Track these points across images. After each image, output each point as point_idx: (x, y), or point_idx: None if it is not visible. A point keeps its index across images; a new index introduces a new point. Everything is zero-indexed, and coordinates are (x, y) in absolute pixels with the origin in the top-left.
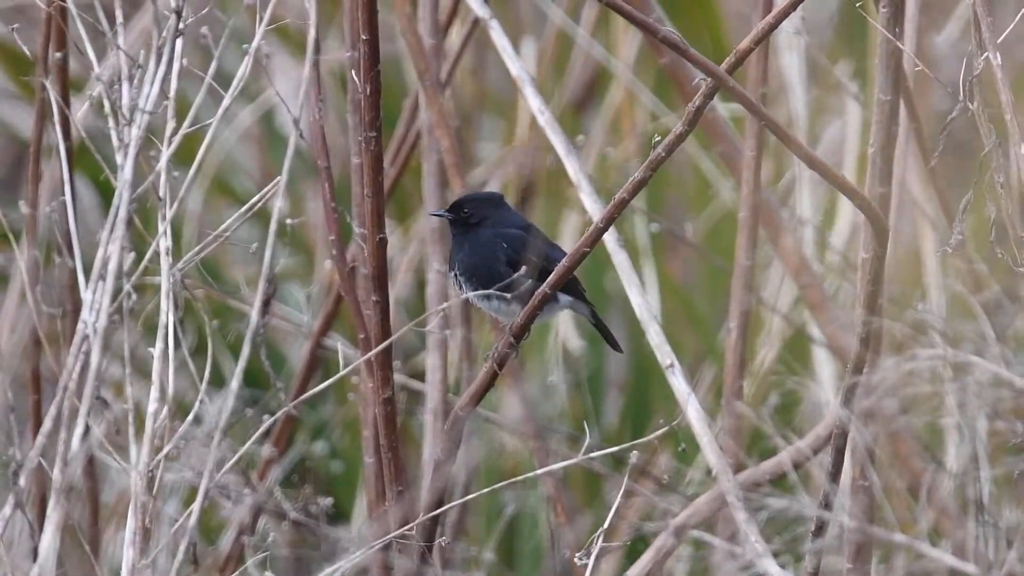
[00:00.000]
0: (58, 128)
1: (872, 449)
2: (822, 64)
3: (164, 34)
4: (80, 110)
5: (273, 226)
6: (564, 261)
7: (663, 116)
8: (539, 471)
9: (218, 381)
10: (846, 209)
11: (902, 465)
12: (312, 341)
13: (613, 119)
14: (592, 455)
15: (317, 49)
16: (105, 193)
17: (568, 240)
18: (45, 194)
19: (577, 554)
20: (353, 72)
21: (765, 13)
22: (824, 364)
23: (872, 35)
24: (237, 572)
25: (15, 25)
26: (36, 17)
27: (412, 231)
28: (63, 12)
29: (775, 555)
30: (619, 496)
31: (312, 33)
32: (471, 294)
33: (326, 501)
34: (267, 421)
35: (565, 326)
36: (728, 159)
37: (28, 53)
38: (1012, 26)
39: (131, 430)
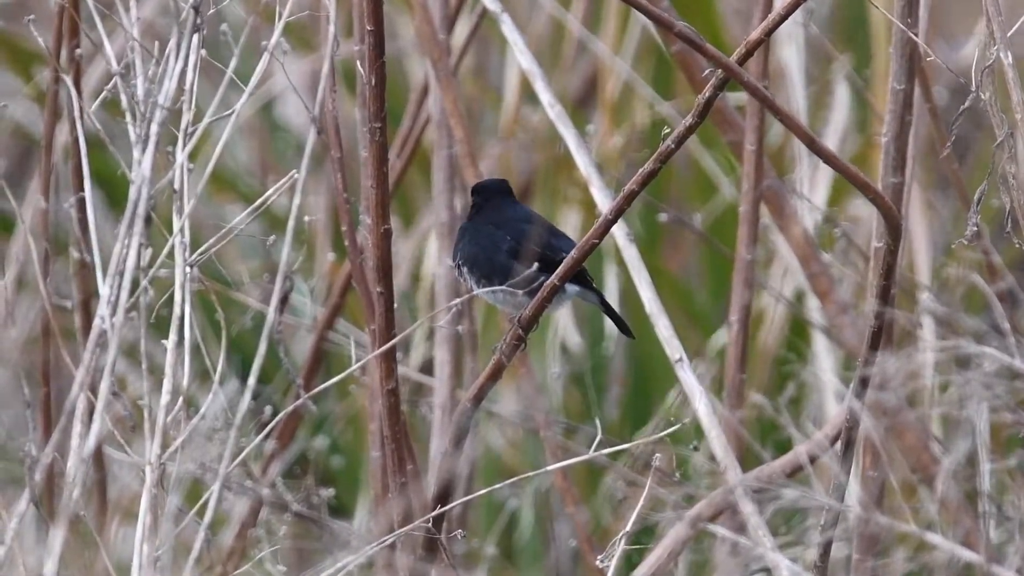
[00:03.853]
0: (78, 122)
1: (883, 440)
2: (821, 58)
3: (182, 27)
4: (94, 105)
5: (292, 223)
6: (573, 252)
7: (661, 107)
8: (552, 466)
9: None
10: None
11: (910, 456)
12: (317, 335)
13: (611, 112)
14: (605, 451)
15: (336, 43)
16: (106, 188)
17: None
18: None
19: (599, 557)
20: (359, 63)
21: (766, 7)
22: (824, 353)
23: (874, 30)
24: (246, 566)
25: (31, 17)
26: (39, 11)
27: (415, 227)
28: (75, 5)
29: (784, 547)
30: (643, 497)
31: (331, 28)
32: (481, 291)
33: (328, 492)
34: (276, 415)
35: (564, 321)
36: (737, 148)
37: (44, 47)
38: (1020, 22)
39: (146, 424)
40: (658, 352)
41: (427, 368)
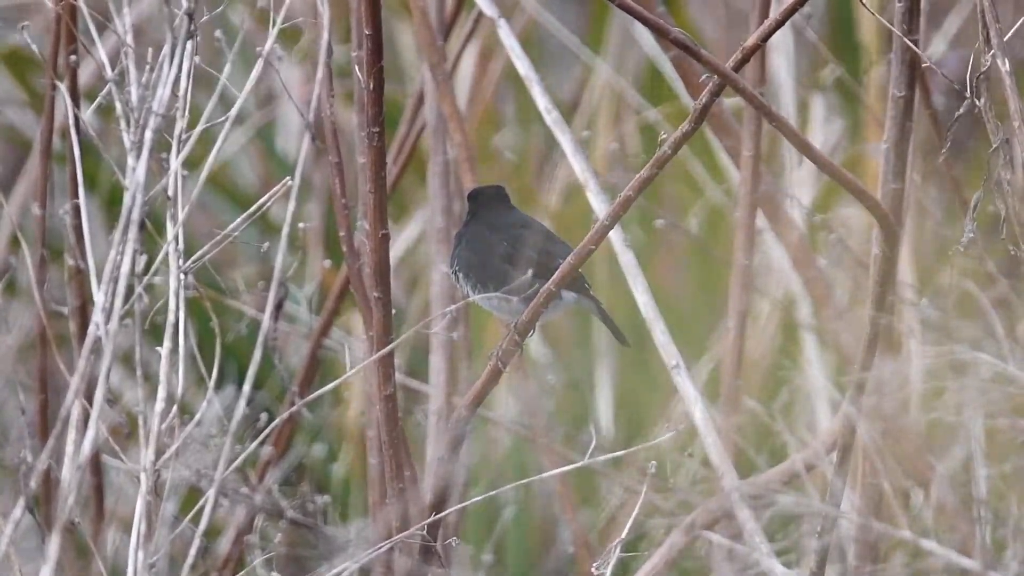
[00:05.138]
0: (72, 130)
1: (879, 447)
2: (811, 66)
3: (176, 33)
4: (88, 111)
5: (286, 229)
6: (569, 259)
7: (649, 113)
8: (550, 472)
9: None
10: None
11: (906, 462)
12: (313, 342)
13: (598, 117)
14: (601, 457)
15: (330, 51)
16: (101, 194)
17: None
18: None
19: (594, 564)
20: (357, 68)
21: (763, 12)
22: (816, 358)
23: (867, 38)
24: (241, 573)
25: (25, 23)
26: (37, 14)
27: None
28: (72, 11)
29: (780, 553)
30: (638, 506)
31: (325, 35)
32: (476, 297)
33: (323, 499)
34: (271, 422)
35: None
36: (734, 153)
37: (38, 53)
38: (1016, 26)
39: (141, 431)
40: (653, 358)
41: (413, 371)
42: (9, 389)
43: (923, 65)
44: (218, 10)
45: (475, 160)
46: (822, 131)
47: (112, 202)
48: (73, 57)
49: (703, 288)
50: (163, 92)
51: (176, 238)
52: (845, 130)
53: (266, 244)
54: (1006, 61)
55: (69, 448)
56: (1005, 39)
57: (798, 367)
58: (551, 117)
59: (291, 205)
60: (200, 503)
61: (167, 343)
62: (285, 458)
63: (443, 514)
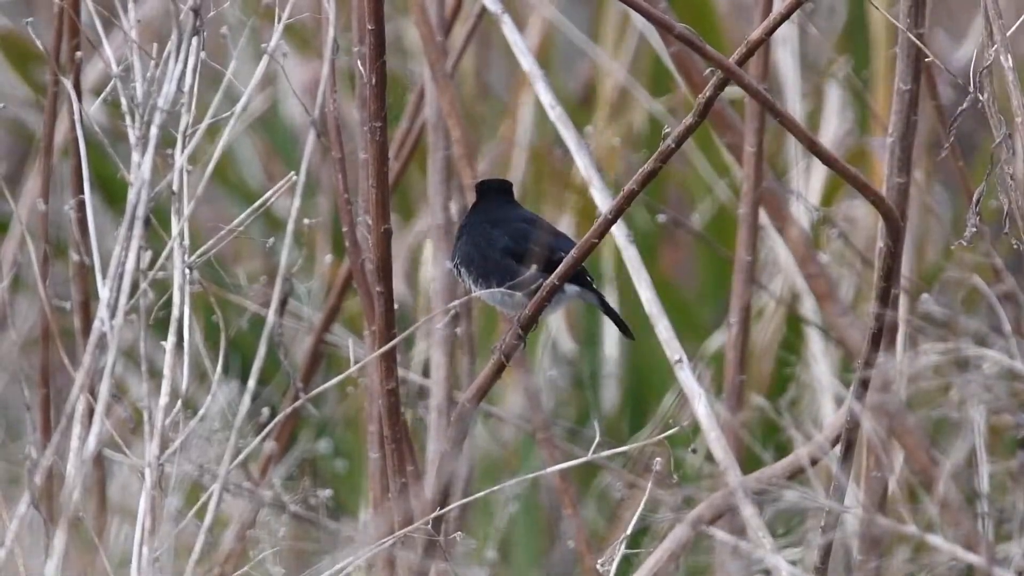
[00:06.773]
0: (78, 125)
1: (884, 442)
2: (818, 60)
3: (181, 29)
4: (92, 106)
5: (291, 225)
6: (572, 252)
7: (656, 108)
8: (552, 468)
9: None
10: None
11: (910, 458)
12: (314, 336)
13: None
14: (604, 453)
15: (336, 48)
16: (105, 189)
17: None
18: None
19: (599, 561)
20: (359, 63)
21: (766, 7)
22: (821, 354)
23: (874, 31)
24: (245, 567)
25: (29, 19)
26: (42, 8)
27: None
28: (75, 6)
29: (784, 548)
30: (642, 503)
31: (331, 31)
32: (479, 292)
33: (325, 493)
34: (275, 416)
35: (557, 324)
36: (736, 150)
37: (43, 48)
38: (1019, 23)
39: (145, 425)
40: (657, 353)
41: (427, 370)
42: (14, 384)
43: (927, 59)
44: (224, 6)
45: (474, 156)
46: (828, 126)
47: (116, 198)
48: (78, 52)
49: (708, 283)
50: (168, 88)
51: (181, 233)
52: (852, 125)
53: (271, 240)
54: (1009, 57)
55: (74, 443)
56: (1008, 34)
57: (803, 362)
58: (555, 112)
59: (296, 201)
60: (204, 498)
61: (172, 338)
62: (289, 453)
63: (447, 509)
